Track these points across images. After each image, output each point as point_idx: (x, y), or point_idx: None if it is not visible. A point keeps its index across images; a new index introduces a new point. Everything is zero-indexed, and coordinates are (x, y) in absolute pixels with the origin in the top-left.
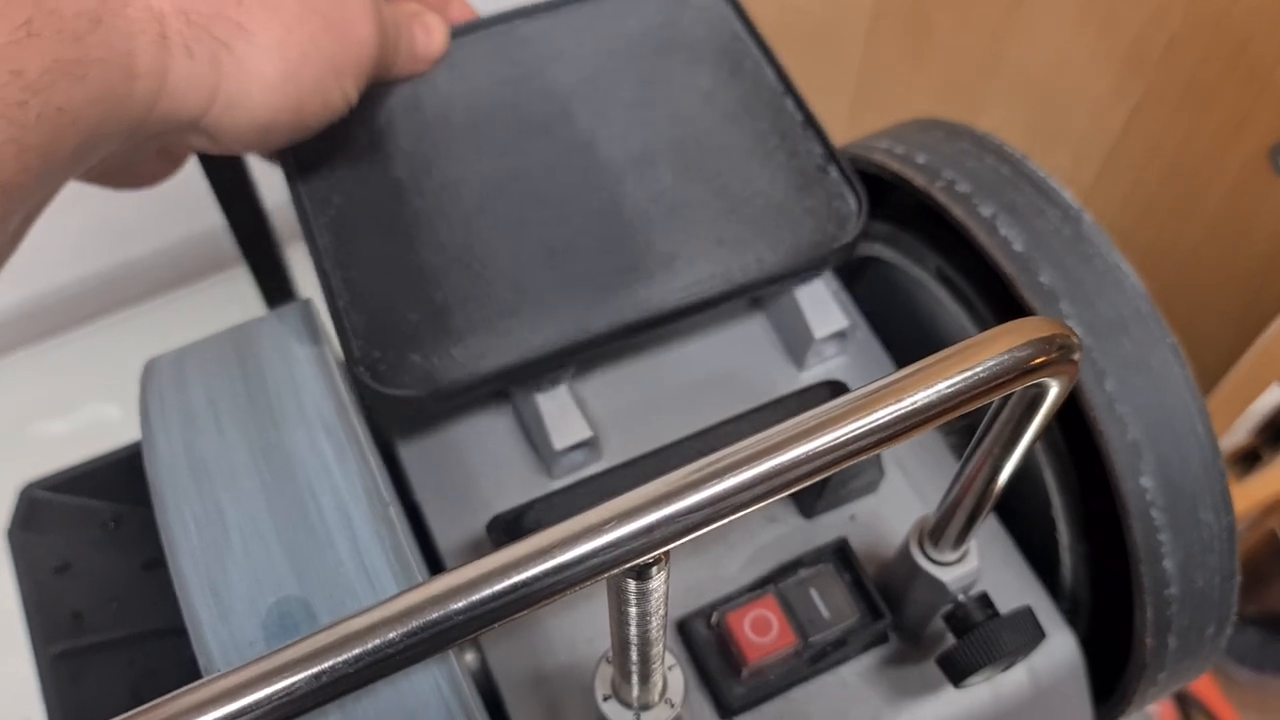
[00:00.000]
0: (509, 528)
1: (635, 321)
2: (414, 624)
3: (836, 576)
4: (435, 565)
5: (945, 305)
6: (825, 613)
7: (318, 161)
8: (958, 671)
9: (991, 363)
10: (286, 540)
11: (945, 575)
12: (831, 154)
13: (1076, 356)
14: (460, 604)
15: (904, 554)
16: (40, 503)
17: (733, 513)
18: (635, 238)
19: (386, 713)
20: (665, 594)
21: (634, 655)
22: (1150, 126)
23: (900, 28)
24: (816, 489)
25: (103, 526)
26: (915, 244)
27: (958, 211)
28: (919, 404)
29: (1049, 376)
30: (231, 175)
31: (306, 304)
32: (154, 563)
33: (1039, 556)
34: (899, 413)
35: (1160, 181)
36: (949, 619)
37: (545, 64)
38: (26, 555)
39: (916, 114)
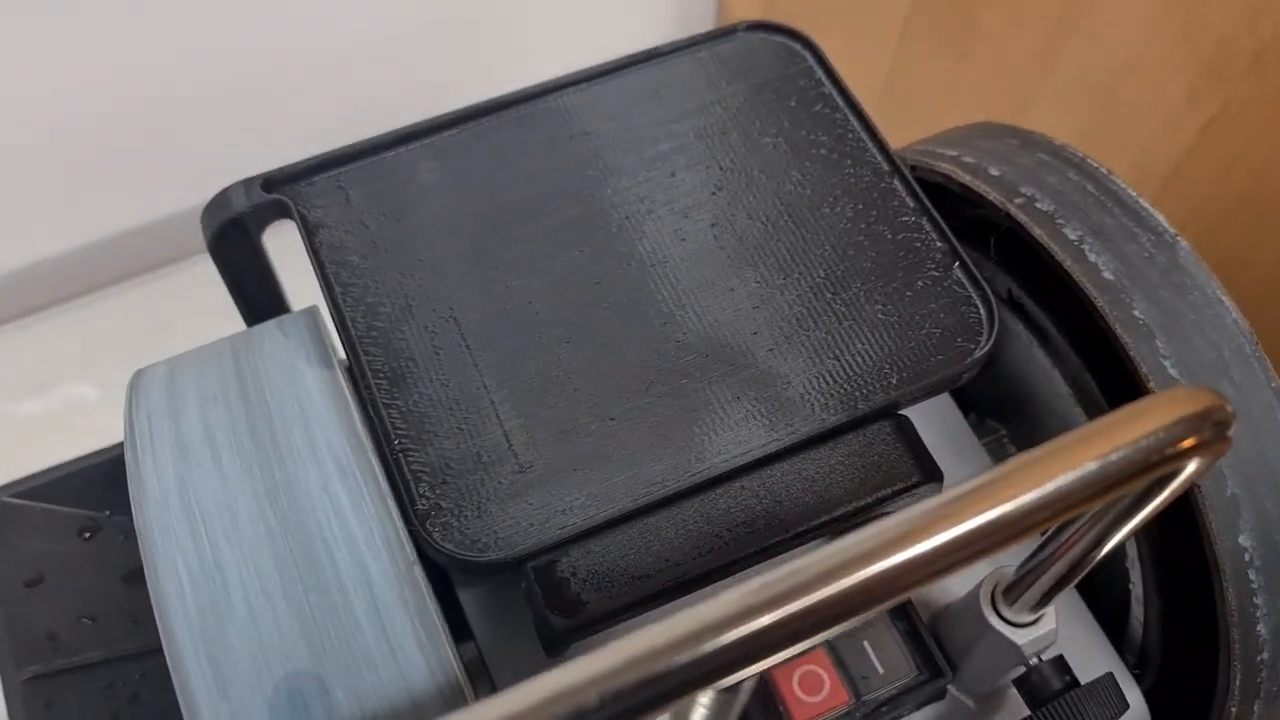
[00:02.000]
0: (543, 575)
1: (749, 463)
2: None
3: (891, 628)
4: (459, 629)
5: (1014, 331)
6: (880, 668)
7: (356, 261)
8: None
9: (1139, 444)
10: (295, 601)
11: (1020, 638)
12: (954, 249)
13: (1231, 433)
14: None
15: (972, 610)
16: (10, 510)
17: (864, 610)
18: (744, 360)
19: None
20: None
21: None
22: (1227, 142)
23: (942, 18)
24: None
25: (78, 536)
26: (983, 263)
27: (1039, 232)
28: (1057, 490)
29: (1200, 456)
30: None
31: (312, 312)
32: (135, 575)
33: (1104, 607)
34: (1031, 502)
35: (1234, 201)
36: (1020, 684)
37: (607, 144)
38: None
39: (953, 111)
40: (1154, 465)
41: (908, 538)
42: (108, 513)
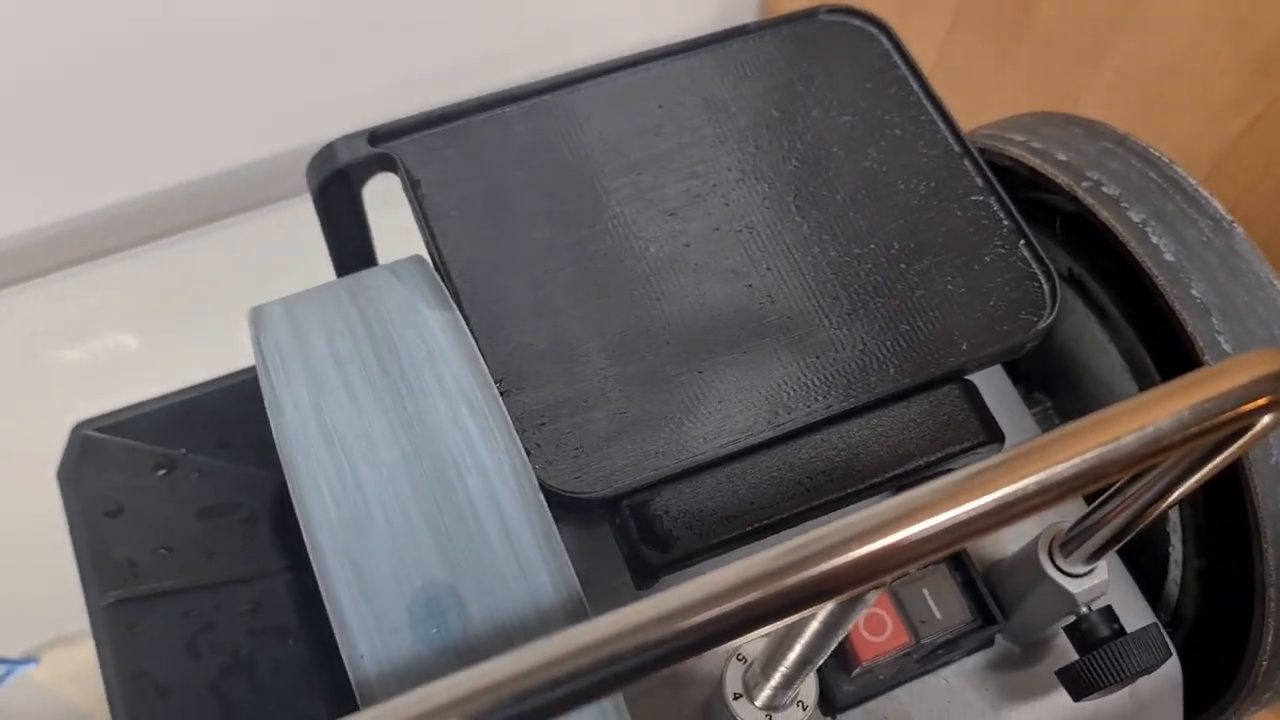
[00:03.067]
0: (637, 512)
1: (828, 418)
2: (643, 639)
3: (949, 577)
4: None
5: (1072, 308)
6: (938, 614)
7: (456, 215)
8: (1081, 687)
9: (1219, 400)
10: (431, 519)
11: (1074, 587)
12: (1020, 227)
13: None
14: (679, 627)
15: (1029, 561)
16: (92, 443)
17: (972, 537)
18: (824, 323)
19: None
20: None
21: (794, 666)
22: (1271, 140)
23: (994, 7)
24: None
25: (154, 472)
26: (1046, 243)
27: (1105, 215)
28: (1140, 440)
29: (1274, 412)
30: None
31: (421, 261)
32: (209, 511)
33: (1143, 569)
34: (1115, 450)
35: (1273, 197)
36: (1070, 631)
37: (692, 115)
38: (79, 497)
39: (1001, 101)
40: (1231, 421)
41: (1008, 473)
42: (184, 451)
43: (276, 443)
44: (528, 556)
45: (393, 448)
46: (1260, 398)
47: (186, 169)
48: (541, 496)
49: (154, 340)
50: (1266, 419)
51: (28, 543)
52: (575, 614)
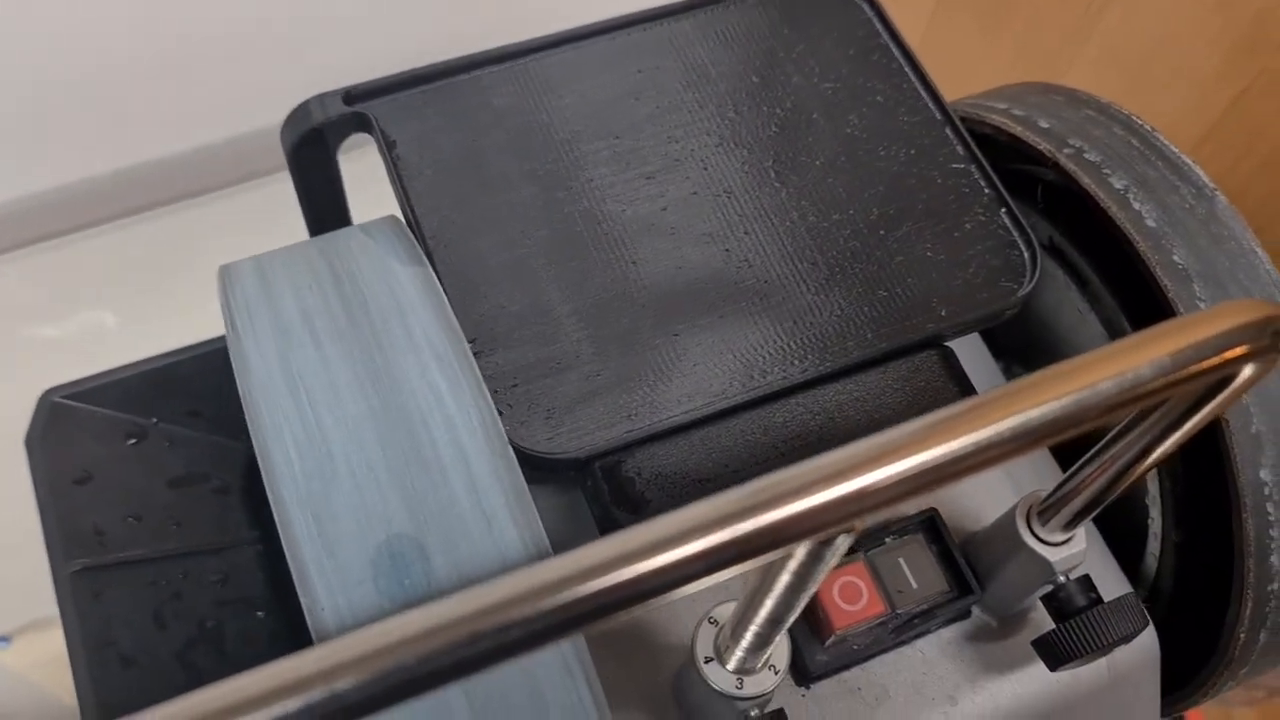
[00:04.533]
0: (610, 473)
1: (804, 382)
2: (597, 585)
3: (925, 547)
4: None
5: (1051, 277)
6: (914, 584)
7: (431, 175)
8: (1057, 657)
9: (1200, 346)
10: (397, 472)
11: (1052, 555)
12: (1001, 195)
13: None
14: (642, 568)
15: (1007, 529)
16: (61, 410)
17: (947, 480)
18: (801, 288)
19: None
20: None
21: (765, 624)
22: (1259, 112)
23: None
24: None
25: (125, 440)
26: (1027, 212)
27: (1086, 181)
28: (1118, 384)
29: (1256, 362)
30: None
31: (395, 220)
32: (180, 480)
33: (1121, 543)
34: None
35: (1256, 172)
36: (1047, 600)
37: (671, 79)
38: (46, 464)
39: (987, 75)
40: (1211, 370)
41: (982, 416)
42: (155, 420)
43: (241, 395)
44: (495, 512)
45: (359, 400)
46: (1240, 345)
47: (165, 143)
48: (510, 451)
49: (132, 316)
50: (1247, 371)
51: (2, 523)
52: None
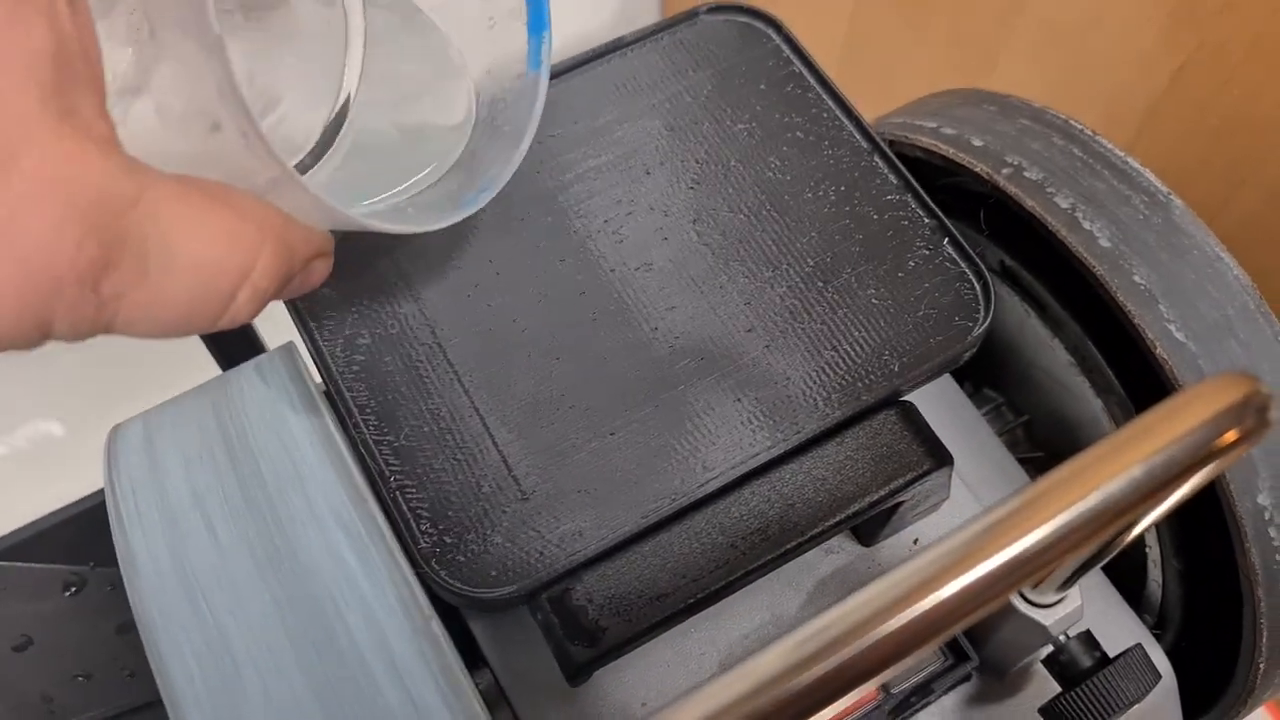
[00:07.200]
0: (558, 604)
1: (757, 468)
2: None
3: None
4: (472, 657)
5: (1009, 305)
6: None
7: (327, 291)
8: None
9: (1184, 443)
10: (311, 672)
11: (1046, 618)
12: (942, 224)
13: (1274, 415)
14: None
15: None
16: None
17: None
18: (741, 360)
19: None
20: None
21: None
22: (1202, 84)
23: None
24: (882, 516)
25: (63, 592)
26: (973, 237)
27: (1030, 204)
28: (1105, 501)
29: (1246, 444)
30: None
31: (289, 350)
32: (127, 626)
33: (1121, 571)
34: (1078, 517)
35: (1213, 141)
36: (1050, 663)
37: (569, 148)
38: None
39: (918, 74)
40: (1200, 462)
41: (955, 567)
42: (91, 564)
43: (130, 599)
44: (423, 697)
45: (262, 593)
46: (1228, 431)
47: None
48: (436, 626)
49: (82, 428)
50: (1236, 448)
51: None
52: None
